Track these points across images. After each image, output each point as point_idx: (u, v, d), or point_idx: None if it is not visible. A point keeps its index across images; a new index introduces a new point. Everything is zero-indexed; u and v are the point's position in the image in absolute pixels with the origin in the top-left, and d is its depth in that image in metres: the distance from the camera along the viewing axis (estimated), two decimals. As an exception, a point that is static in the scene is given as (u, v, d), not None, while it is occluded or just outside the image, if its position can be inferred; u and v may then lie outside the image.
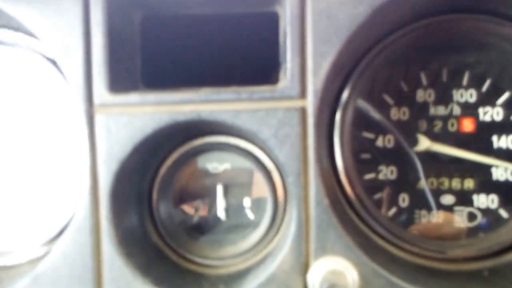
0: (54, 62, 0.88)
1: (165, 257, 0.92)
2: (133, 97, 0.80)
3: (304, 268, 0.80)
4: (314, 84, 0.78)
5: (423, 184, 0.91)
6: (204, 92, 0.80)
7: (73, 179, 0.92)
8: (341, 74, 0.86)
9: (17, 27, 0.88)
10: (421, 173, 0.91)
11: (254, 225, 0.92)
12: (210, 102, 0.79)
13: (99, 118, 0.80)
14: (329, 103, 0.87)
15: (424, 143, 0.90)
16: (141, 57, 0.86)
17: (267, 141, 0.79)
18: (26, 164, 0.92)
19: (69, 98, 0.90)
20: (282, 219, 0.90)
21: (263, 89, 0.79)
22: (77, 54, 0.79)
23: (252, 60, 0.87)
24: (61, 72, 0.86)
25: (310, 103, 0.78)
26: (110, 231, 0.81)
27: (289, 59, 0.78)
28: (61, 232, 0.89)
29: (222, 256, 0.91)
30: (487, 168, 0.90)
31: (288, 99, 0.79)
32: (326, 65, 0.77)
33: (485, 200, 0.91)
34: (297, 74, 0.78)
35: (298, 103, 0.79)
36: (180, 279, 0.88)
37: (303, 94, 0.78)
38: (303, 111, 0.79)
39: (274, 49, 0.82)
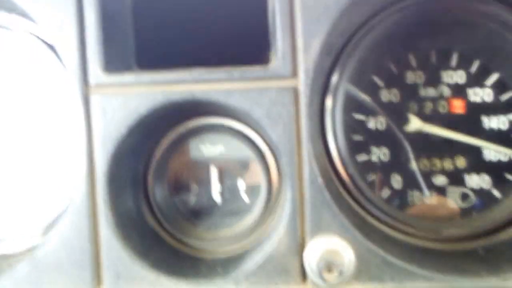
0: (48, 44, 0.88)
1: (162, 240, 0.92)
2: (128, 77, 0.81)
3: (300, 248, 0.80)
4: (305, 63, 0.79)
5: (415, 165, 0.91)
6: (197, 72, 0.81)
7: (70, 163, 0.91)
8: (331, 54, 0.87)
9: (11, 8, 0.88)
10: (413, 154, 0.91)
11: (249, 207, 0.92)
12: (203, 81, 0.80)
13: (94, 99, 0.80)
14: (320, 86, 0.88)
15: (415, 124, 0.90)
16: (134, 37, 0.87)
17: (260, 120, 0.80)
18: (22, 149, 0.92)
19: (64, 79, 0.90)
20: (277, 201, 0.90)
21: (255, 69, 0.80)
22: (71, 34, 0.79)
23: (243, 39, 0.88)
24: (56, 53, 0.86)
25: (302, 82, 0.79)
26: (107, 214, 0.81)
27: (280, 38, 0.79)
28: (59, 219, 0.88)
29: (219, 239, 0.92)
30: (478, 148, 0.91)
31: (280, 78, 0.80)
32: (316, 44, 0.78)
33: (478, 180, 0.91)
34: (288, 53, 0.79)
35: (290, 83, 0.80)
36: (178, 262, 0.88)
37: (294, 73, 0.79)
38: (295, 91, 0.80)
39: (265, 28, 0.83)
